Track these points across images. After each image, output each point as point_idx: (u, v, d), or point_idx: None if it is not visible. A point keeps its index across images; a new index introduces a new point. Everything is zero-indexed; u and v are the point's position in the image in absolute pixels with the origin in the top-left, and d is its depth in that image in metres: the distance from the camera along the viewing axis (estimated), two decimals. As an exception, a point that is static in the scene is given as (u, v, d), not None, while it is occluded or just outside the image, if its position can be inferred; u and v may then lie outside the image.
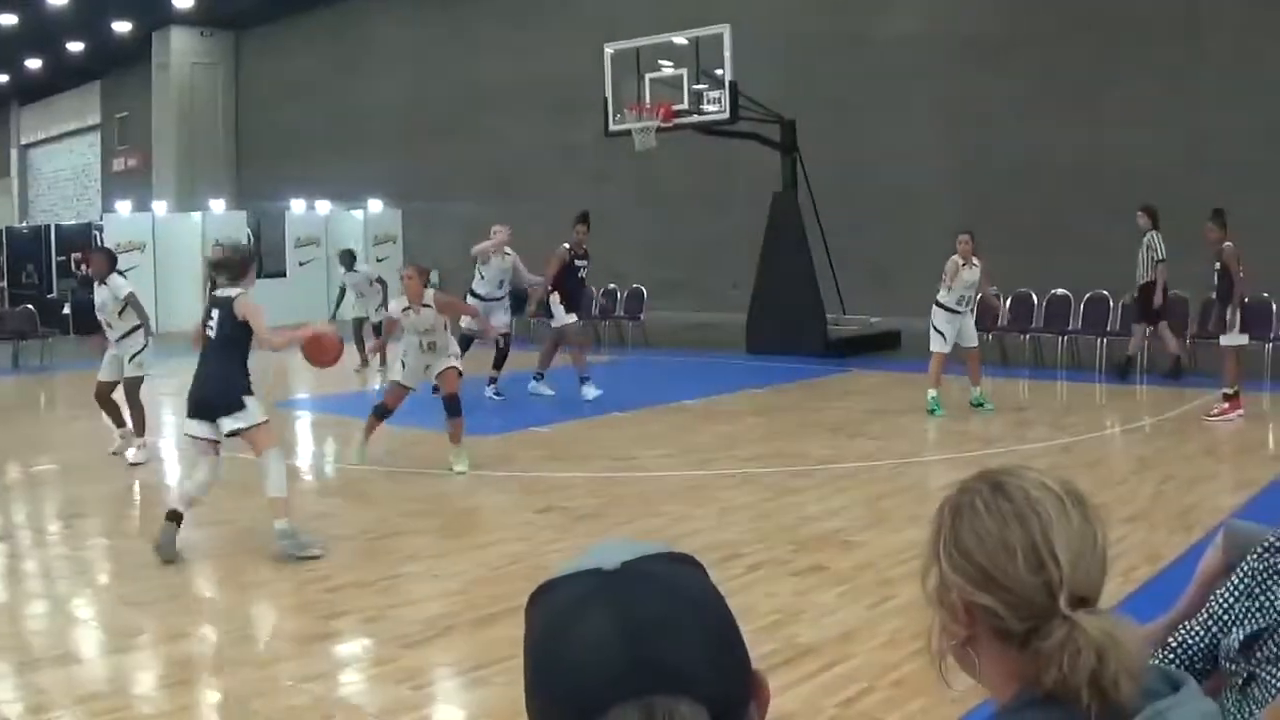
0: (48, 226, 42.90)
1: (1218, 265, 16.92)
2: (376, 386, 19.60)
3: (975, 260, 17.94)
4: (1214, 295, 17.43)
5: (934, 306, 18.13)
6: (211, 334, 10.99)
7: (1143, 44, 26.00)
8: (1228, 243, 16.90)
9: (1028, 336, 23.13)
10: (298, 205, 41.05)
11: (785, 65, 30.61)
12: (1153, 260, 20.99)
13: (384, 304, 24.75)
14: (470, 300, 18.90)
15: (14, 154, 69.14)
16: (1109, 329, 22.02)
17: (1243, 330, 16.83)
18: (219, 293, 11.21)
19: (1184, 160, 25.09)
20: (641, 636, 1.44)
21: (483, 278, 19.84)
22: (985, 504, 2.12)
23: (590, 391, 19.40)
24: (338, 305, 26.08)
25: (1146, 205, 21.41)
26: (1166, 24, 25.69)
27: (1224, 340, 16.86)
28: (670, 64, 25.09)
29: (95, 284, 15.78)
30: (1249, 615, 3.50)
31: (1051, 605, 2.02)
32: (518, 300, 21.72)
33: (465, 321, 18.38)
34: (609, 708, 1.40)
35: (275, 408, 19.22)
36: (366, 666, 7.85)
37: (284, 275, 39.36)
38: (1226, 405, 16.40)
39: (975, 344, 18.31)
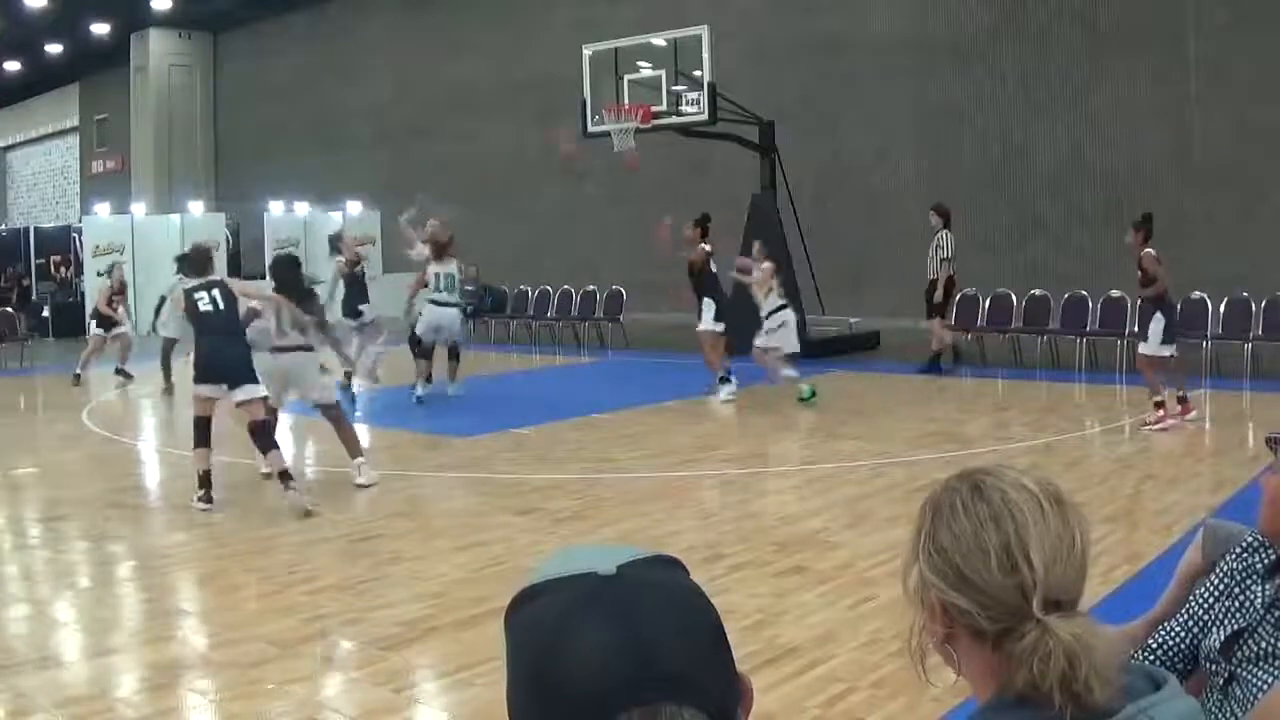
0: (27, 229, 42.79)
1: (1139, 273, 16.35)
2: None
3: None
4: (1139, 302, 17.07)
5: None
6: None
7: (1124, 45, 26.05)
8: (1148, 249, 16.10)
9: (1006, 336, 23.14)
10: (276, 207, 40.96)
11: (764, 67, 30.65)
12: (940, 259, 21.74)
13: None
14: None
15: (-8, 156, 69.04)
16: (1088, 329, 22.06)
17: (1167, 340, 16.11)
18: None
19: (1165, 161, 25.17)
20: (645, 643, 1.44)
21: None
22: (964, 504, 2.13)
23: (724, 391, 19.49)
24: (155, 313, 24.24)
25: (939, 205, 22.34)
26: (1148, 25, 25.73)
27: (1142, 349, 16.33)
28: (649, 65, 25.08)
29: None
30: (1229, 615, 3.51)
31: (1025, 607, 2.02)
32: None
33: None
34: (614, 716, 1.40)
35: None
36: (348, 669, 7.84)
37: (263, 277, 39.28)
38: (1161, 413, 15.96)
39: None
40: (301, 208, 41.39)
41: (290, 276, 14.26)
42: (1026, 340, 22.95)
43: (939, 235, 22.05)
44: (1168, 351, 16.08)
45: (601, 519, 11.87)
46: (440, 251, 19.58)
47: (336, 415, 14.03)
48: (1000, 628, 2.04)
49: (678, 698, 1.42)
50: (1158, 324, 15.96)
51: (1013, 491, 2.11)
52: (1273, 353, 20.48)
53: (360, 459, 13.77)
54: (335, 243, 22.91)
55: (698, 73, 23.95)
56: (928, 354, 22.19)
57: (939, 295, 21.69)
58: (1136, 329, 17.31)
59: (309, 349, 13.87)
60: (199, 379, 12.89)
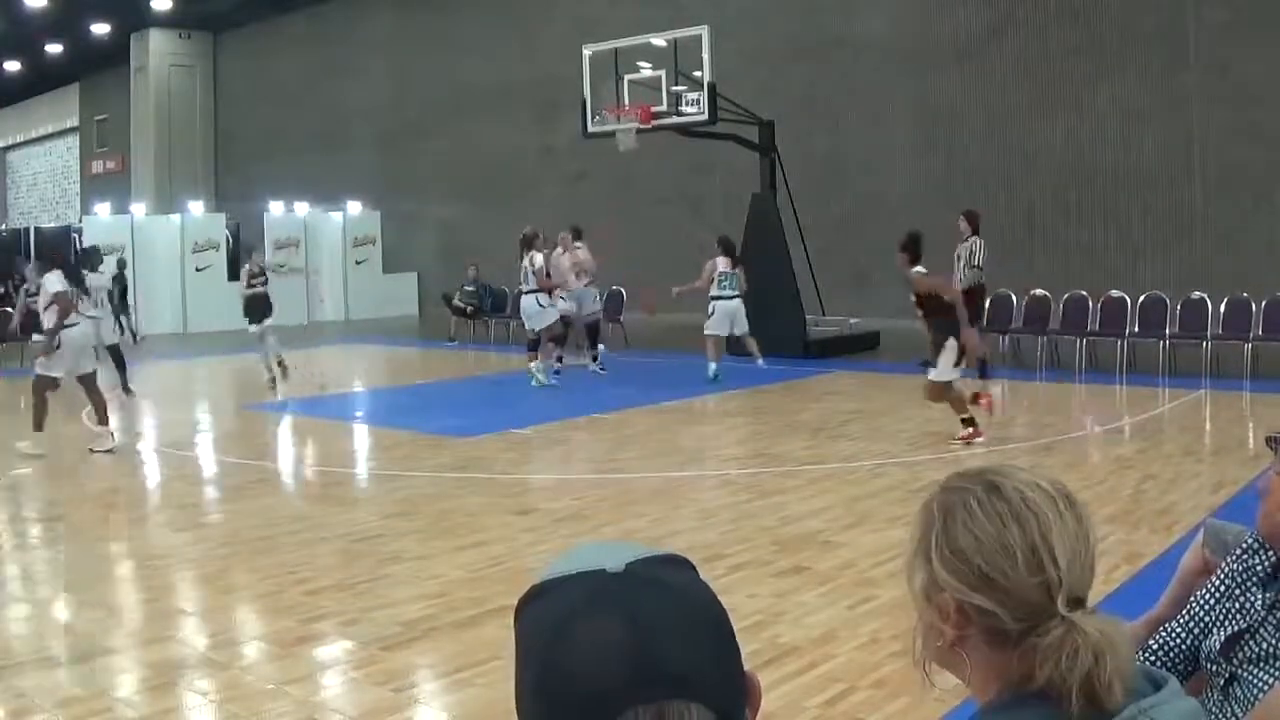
0: (27, 229, 42.85)
1: (913, 297, 15.56)
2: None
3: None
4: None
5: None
6: None
7: (1125, 45, 26.07)
8: (917, 268, 15.47)
9: (1007, 337, 23.13)
10: (276, 207, 40.99)
11: (764, 67, 30.67)
12: (970, 266, 21.32)
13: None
14: None
15: (-9, 157, 69.15)
16: (1089, 329, 22.02)
17: (957, 363, 15.32)
18: None
19: (1165, 161, 25.18)
20: (652, 641, 1.45)
21: None
22: (981, 504, 2.11)
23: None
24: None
25: (969, 211, 21.94)
26: (1149, 25, 25.75)
27: (931, 375, 15.44)
28: (649, 65, 25.08)
29: None
30: (1229, 617, 3.51)
31: (1049, 606, 2.01)
32: None
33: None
34: (621, 713, 1.41)
35: (244, 409, 19.25)
36: (347, 669, 7.82)
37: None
38: (970, 430, 15.31)
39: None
40: (301, 208, 41.41)
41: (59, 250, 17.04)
42: (1026, 341, 22.96)
43: (970, 242, 21.45)
44: (956, 375, 15.47)
45: (602, 519, 11.85)
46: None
47: (90, 385, 16.33)
48: (1023, 627, 2.03)
49: (683, 695, 1.44)
50: (950, 353, 15.15)
51: (1029, 490, 2.10)
52: (1273, 353, 20.46)
53: (107, 428, 16.10)
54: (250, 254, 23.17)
55: (698, 73, 23.94)
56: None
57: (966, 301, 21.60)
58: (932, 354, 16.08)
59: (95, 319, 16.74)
60: None
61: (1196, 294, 21.34)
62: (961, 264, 21.49)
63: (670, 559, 1.59)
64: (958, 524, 2.12)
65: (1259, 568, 3.54)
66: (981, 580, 2.07)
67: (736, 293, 21.82)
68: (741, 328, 21.90)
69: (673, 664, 1.45)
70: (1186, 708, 2.04)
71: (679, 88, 24.51)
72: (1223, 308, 21.04)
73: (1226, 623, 3.51)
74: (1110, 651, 1.95)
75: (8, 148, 69.14)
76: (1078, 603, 2.03)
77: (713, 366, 21.25)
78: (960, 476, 2.20)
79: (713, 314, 21.79)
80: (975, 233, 21.57)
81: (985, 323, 22.76)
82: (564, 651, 1.45)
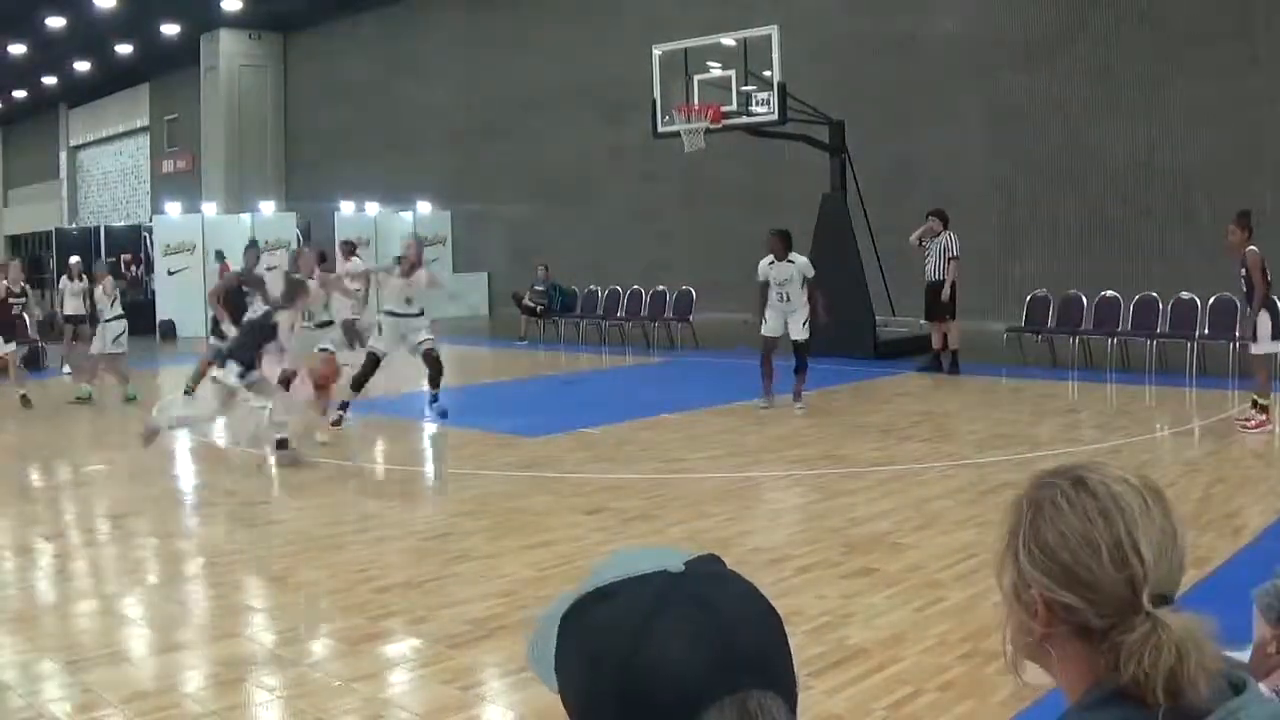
0: (97, 228, 43.14)
1: (1243, 270, 16.11)
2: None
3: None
4: (1242, 301, 16.87)
5: None
6: None
7: (1194, 45, 25.92)
8: (1252, 247, 15.94)
9: (1076, 338, 22.99)
10: (347, 207, 41.18)
11: (833, 66, 30.63)
12: (949, 259, 22.22)
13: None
14: None
15: (63, 156, 69.70)
16: (1158, 330, 21.87)
17: (1275, 337, 15.91)
18: None
19: (1236, 161, 25.01)
20: (732, 632, 1.47)
21: None
22: (1068, 500, 2.08)
23: None
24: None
25: (938, 210, 22.80)
26: (1218, 24, 25.60)
27: (1253, 349, 16.19)
28: (719, 65, 25.06)
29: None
30: None
31: (1134, 602, 1.99)
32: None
33: None
34: (707, 707, 1.43)
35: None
36: (415, 667, 7.84)
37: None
38: (1264, 416, 15.78)
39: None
40: (372, 208, 41.61)
41: None
42: (1096, 342, 22.83)
43: (944, 236, 22.45)
44: (1277, 348, 16.06)
45: (669, 519, 11.84)
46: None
47: None
48: (1108, 624, 2.01)
49: (762, 684, 1.46)
50: (1262, 321, 16.01)
51: (1116, 485, 2.08)
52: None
53: None
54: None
55: (767, 73, 23.89)
56: (938, 354, 22.77)
57: (945, 294, 21.87)
58: (1239, 331, 17.03)
59: None
60: None
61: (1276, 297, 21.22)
62: (938, 259, 22.33)
63: (713, 557, 1.62)
64: (1044, 520, 2.09)
65: None
66: (1067, 576, 2.04)
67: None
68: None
69: (751, 652, 1.48)
70: (1273, 710, 2.02)
71: (749, 87, 24.46)
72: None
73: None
74: (1195, 648, 1.93)
75: (79, 147, 69.68)
76: (1163, 599, 2.01)
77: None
78: (1049, 473, 2.17)
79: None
80: (947, 228, 22.42)
81: (1024, 318, 22.85)
82: (648, 652, 1.46)
